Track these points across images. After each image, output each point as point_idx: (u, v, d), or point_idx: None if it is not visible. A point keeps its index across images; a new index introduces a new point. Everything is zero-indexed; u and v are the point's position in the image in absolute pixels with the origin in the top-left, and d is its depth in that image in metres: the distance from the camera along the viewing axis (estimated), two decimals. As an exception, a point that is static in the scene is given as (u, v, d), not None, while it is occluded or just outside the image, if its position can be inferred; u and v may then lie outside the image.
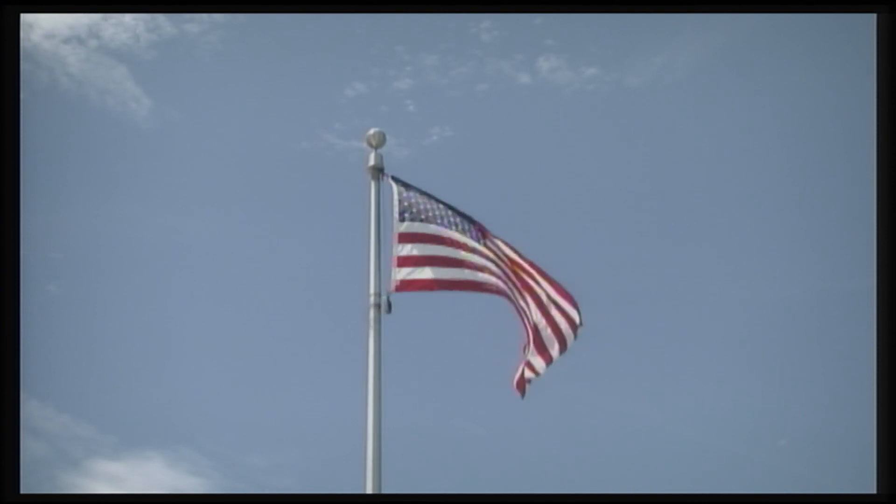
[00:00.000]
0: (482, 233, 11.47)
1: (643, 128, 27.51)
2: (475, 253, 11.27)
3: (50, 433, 23.56)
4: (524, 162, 27.19)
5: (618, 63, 27.59)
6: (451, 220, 11.41)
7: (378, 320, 10.72)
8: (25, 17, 20.25)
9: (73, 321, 24.36)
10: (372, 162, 11.61)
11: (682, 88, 27.41)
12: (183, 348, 25.51)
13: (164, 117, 27.17)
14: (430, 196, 11.50)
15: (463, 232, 11.38)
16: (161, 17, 26.36)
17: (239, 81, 27.85)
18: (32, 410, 22.56)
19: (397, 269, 10.94)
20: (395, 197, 11.29)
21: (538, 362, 11.15)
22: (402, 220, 11.19)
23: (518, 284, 11.31)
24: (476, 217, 11.59)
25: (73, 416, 23.90)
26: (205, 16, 26.43)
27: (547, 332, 11.17)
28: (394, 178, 11.50)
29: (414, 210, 11.29)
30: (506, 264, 11.35)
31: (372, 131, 11.75)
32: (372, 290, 10.87)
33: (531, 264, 11.38)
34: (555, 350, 11.15)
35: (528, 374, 11.14)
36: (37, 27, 25.92)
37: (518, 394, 11.15)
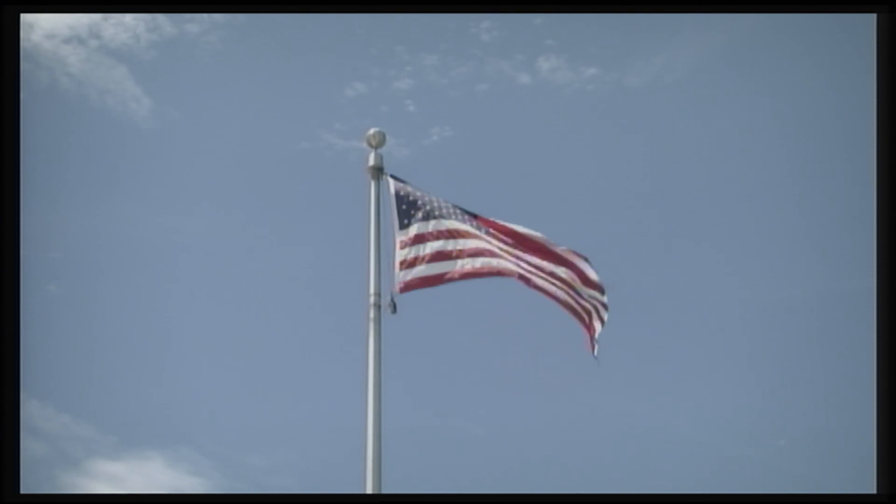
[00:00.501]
0: (483, 222, 11.42)
1: (643, 128, 27.53)
2: (478, 239, 11.24)
3: (50, 433, 23.55)
4: (524, 162, 27.19)
5: (618, 63, 27.61)
6: (451, 210, 11.38)
7: (378, 320, 10.72)
8: (25, 17, 20.21)
9: (73, 321, 24.36)
10: (372, 162, 11.61)
11: (682, 88, 27.43)
12: (183, 348, 25.50)
13: (164, 117, 27.18)
14: (426, 193, 11.49)
15: (463, 221, 11.36)
16: (161, 17, 26.38)
17: (239, 81, 27.87)
18: (32, 410, 22.55)
19: (400, 272, 10.95)
20: (393, 194, 11.31)
21: (595, 318, 11.12)
22: (402, 218, 11.22)
23: (532, 257, 11.18)
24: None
25: (73, 416, 23.89)
26: (205, 16, 26.46)
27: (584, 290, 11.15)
28: (392, 177, 11.52)
29: (414, 205, 11.29)
30: (512, 244, 11.26)
31: (372, 131, 11.75)
32: (372, 290, 10.88)
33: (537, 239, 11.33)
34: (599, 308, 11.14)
35: (597, 325, 11.09)
36: (37, 27, 25.94)
37: (590, 350, 11.08)
